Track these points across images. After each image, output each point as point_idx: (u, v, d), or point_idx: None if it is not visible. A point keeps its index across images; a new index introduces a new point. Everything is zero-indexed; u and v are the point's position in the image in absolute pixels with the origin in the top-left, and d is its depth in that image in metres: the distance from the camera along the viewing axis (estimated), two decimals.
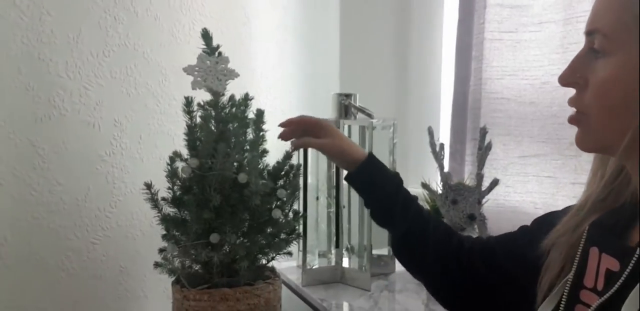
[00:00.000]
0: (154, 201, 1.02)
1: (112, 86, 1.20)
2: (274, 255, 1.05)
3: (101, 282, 1.20)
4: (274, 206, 1.02)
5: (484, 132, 1.20)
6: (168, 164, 1.00)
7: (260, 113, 1.01)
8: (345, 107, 1.34)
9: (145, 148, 1.26)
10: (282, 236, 1.04)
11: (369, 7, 1.80)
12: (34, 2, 1.07)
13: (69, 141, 1.13)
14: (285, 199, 1.03)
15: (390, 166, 1.33)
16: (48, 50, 1.10)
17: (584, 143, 0.62)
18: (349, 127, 1.31)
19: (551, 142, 1.44)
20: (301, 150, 1.30)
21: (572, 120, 0.62)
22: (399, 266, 1.40)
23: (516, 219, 0.85)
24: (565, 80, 0.62)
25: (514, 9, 1.50)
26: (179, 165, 1.01)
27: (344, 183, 1.33)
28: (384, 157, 1.13)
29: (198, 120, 1.01)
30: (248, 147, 1.01)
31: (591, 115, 0.59)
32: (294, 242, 1.07)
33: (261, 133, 1.03)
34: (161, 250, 1.03)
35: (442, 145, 1.25)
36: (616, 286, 0.56)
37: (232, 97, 1.02)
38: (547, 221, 0.75)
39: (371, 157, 0.95)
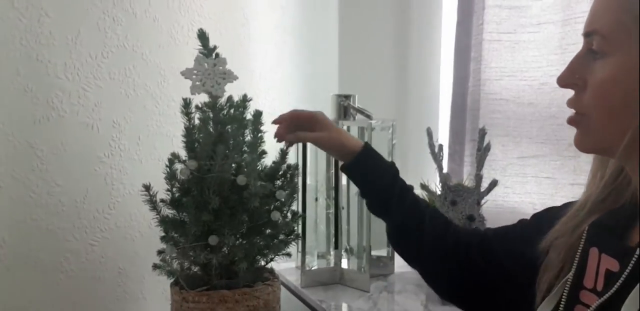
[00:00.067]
0: (152, 203, 1.01)
1: (110, 87, 1.19)
2: (273, 256, 1.05)
3: (100, 284, 1.19)
4: (272, 207, 1.02)
5: (482, 133, 1.20)
6: (167, 166, 1.00)
7: (258, 115, 1.01)
8: (344, 108, 1.34)
9: (144, 150, 1.25)
10: (281, 237, 1.04)
11: (368, 8, 1.80)
12: (33, 3, 1.07)
13: (67, 142, 1.13)
14: (284, 200, 1.03)
15: None
16: (47, 52, 1.09)
17: (583, 144, 0.62)
18: (348, 128, 1.31)
19: (550, 142, 1.44)
20: (300, 151, 1.30)
21: (571, 121, 0.62)
22: (398, 268, 1.41)
23: (515, 220, 0.85)
24: (564, 81, 0.63)
25: (512, 10, 1.51)
26: (178, 166, 1.01)
27: (343, 184, 1.34)
28: None
29: (196, 121, 1.01)
30: (247, 149, 1.01)
31: (590, 116, 0.59)
32: (293, 243, 1.07)
33: (259, 135, 1.03)
34: (160, 252, 1.03)
35: (441, 146, 1.25)
36: (616, 286, 0.56)
37: (230, 99, 1.01)
38: (547, 217, 0.75)
39: (367, 147, 0.95)
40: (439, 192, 1.28)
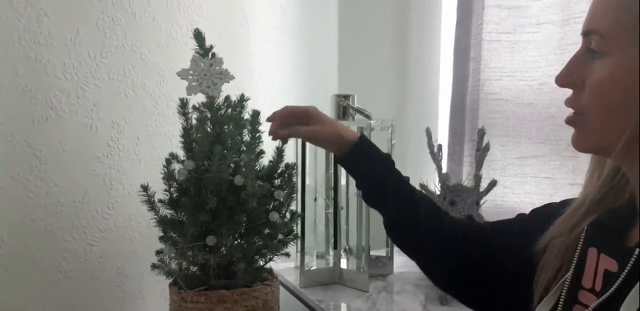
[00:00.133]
0: (150, 203, 1.01)
1: (109, 87, 1.19)
2: (271, 256, 1.05)
3: (99, 284, 1.19)
4: (271, 207, 1.02)
5: (481, 133, 1.21)
6: (164, 166, 1.00)
7: (255, 115, 1.01)
8: (344, 108, 1.34)
9: (143, 150, 1.25)
10: (280, 237, 1.04)
11: (367, 8, 1.80)
12: (32, 3, 1.07)
13: (66, 142, 1.13)
14: (282, 200, 1.03)
15: None
16: (45, 52, 1.09)
17: (580, 144, 0.62)
18: (347, 128, 1.31)
19: (549, 143, 1.44)
20: (299, 151, 1.30)
21: (569, 121, 0.62)
22: (397, 268, 1.41)
23: None
24: (562, 80, 0.63)
25: (512, 10, 1.51)
26: (176, 167, 1.01)
27: (342, 184, 1.34)
28: None
29: (194, 121, 1.01)
30: (244, 149, 1.01)
31: (588, 116, 0.59)
32: (292, 243, 1.07)
33: (257, 135, 1.03)
34: (158, 252, 1.03)
35: (440, 146, 1.26)
36: (614, 286, 0.56)
37: (227, 98, 1.01)
38: (546, 213, 0.75)
39: (363, 138, 0.95)
40: (438, 192, 1.28)
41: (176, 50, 1.30)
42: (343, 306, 1.20)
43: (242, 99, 1.03)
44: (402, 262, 1.43)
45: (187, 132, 1.02)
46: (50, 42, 1.10)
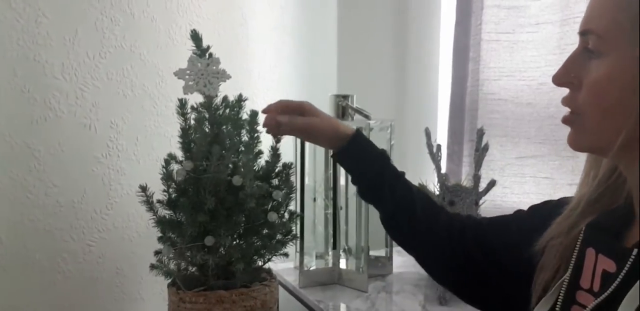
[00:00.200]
0: (149, 204, 1.01)
1: (108, 88, 1.19)
2: (270, 256, 1.05)
3: (97, 284, 1.19)
4: (269, 208, 1.02)
5: (480, 133, 1.20)
6: (163, 167, 1.00)
7: (254, 115, 1.01)
8: (343, 108, 1.34)
9: (142, 150, 1.25)
10: (278, 237, 1.04)
11: (366, 8, 1.80)
12: (30, 4, 1.07)
13: (65, 143, 1.13)
14: (280, 200, 1.03)
15: None
16: (44, 52, 1.09)
17: (576, 143, 0.62)
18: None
19: (548, 143, 1.44)
20: (298, 151, 1.30)
21: (565, 120, 0.62)
22: (396, 268, 1.41)
23: None
24: (559, 80, 0.63)
25: (511, 10, 1.51)
26: (174, 167, 1.01)
27: (342, 184, 1.34)
28: None
29: (192, 122, 1.01)
30: (243, 149, 1.01)
31: (585, 115, 0.59)
32: (291, 244, 1.07)
33: (256, 135, 1.03)
34: (157, 253, 1.03)
35: (439, 146, 1.25)
36: (612, 287, 0.56)
37: (225, 99, 1.01)
38: (544, 210, 0.75)
39: (359, 133, 0.95)
40: (437, 193, 1.28)
41: (175, 50, 1.30)
42: (342, 307, 1.20)
43: (240, 99, 1.03)
44: (401, 262, 1.43)
45: (185, 133, 1.02)
46: (49, 42, 1.10)
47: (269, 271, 1.09)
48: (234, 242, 1.00)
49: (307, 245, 1.32)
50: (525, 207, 0.83)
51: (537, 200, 1.42)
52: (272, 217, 1.00)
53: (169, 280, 1.05)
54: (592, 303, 0.57)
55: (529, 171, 1.47)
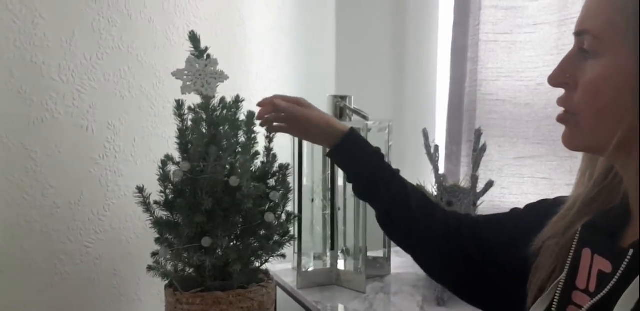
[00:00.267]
0: (146, 205, 1.01)
1: (105, 89, 1.19)
2: (267, 257, 1.05)
3: (95, 286, 1.19)
4: (266, 208, 1.02)
5: (478, 133, 1.20)
6: (160, 168, 1.00)
7: (251, 116, 1.01)
8: (340, 109, 1.34)
9: (139, 151, 1.25)
10: (276, 238, 1.03)
11: (365, 8, 1.80)
12: (27, 5, 1.07)
13: (62, 144, 1.13)
14: (277, 201, 1.03)
15: None
16: (41, 53, 1.09)
17: (571, 142, 0.62)
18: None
19: (546, 143, 1.44)
20: (296, 152, 1.30)
21: (560, 119, 0.62)
22: (394, 269, 1.40)
23: None
24: (555, 80, 0.62)
25: (509, 11, 1.51)
26: (171, 168, 1.00)
27: (340, 185, 1.34)
28: None
29: (189, 123, 1.01)
30: (240, 150, 1.01)
31: (580, 115, 0.59)
32: (288, 244, 1.07)
33: (253, 136, 1.03)
34: (154, 254, 1.03)
35: (436, 147, 1.25)
36: (608, 287, 0.55)
37: (222, 100, 1.01)
38: (540, 209, 0.75)
39: (353, 131, 0.95)
40: (435, 193, 1.28)
41: (172, 51, 1.30)
42: (340, 308, 1.19)
43: (237, 100, 1.03)
44: (399, 263, 1.43)
45: (182, 134, 1.02)
46: (46, 43, 1.10)
47: (266, 272, 1.09)
48: (231, 243, 1.00)
49: (305, 246, 1.31)
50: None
51: (535, 200, 1.43)
52: (269, 217, 1.00)
53: (166, 282, 1.05)
54: (588, 303, 0.57)
55: (527, 171, 1.47)
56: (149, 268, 1.03)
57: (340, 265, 1.35)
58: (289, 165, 1.06)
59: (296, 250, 1.32)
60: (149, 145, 1.27)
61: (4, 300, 1.06)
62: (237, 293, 0.98)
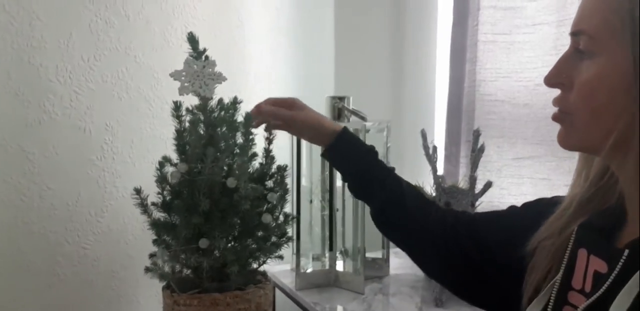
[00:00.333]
0: (143, 206, 1.01)
1: (103, 90, 1.19)
2: (265, 259, 1.05)
3: (93, 287, 1.19)
4: (264, 209, 1.02)
5: (477, 134, 1.20)
6: (157, 169, 1.00)
7: (248, 117, 1.01)
8: (339, 110, 1.33)
9: (137, 153, 1.25)
10: (273, 239, 1.03)
11: (363, 9, 1.79)
12: (24, 7, 1.07)
13: (59, 146, 1.13)
14: (275, 202, 1.02)
15: None
16: (38, 55, 1.09)
17: (566, 141, 0.61)
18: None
19: (545, 143, 1.43)
20: (294, 152, 1.30)
21: (555, 118, 0.62)
22: (393, 270, 1.40)
23: None
24: (551, 80, 0.62)
25: (507, 11, 1.50)
26: (169, 169, 1.00)
27: (338, 186, 1.33)
28: None
29: (187, 124, 1.01)
30: (237, 151, 1.01)
31: (575, 115, 0.59)
32: (286, 246, 1.06)
33: (250, 137, 1.03)
34: (151, 255, 1.03)
35: (435, 148, 1.25)
36: (604, 287, 0.55)
37: (220, 101, 1.01)
38: (537, 208, 0.75)
39: (346, 130, 0.95)
40: (433, 194, 1.28)
41: (170, 52, 1.30)
42: (339, 309, 1.19)
43: (235, 102, 1.03)
44: (398, 264, 1.43)
45: (180, 135, 1.02)
46: (43, 45, 1.10)
47: (264, 273, 1.09)
48: (229, 244, 1.00)
49: (303, 247, 1.31)
50: None
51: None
52: (267, 219, 1.00)
53: (164, 283, 1.04)
54: (583, 303, 0.57)
55: (526, 172, 1.46)
56: (147, 269, 1.03)
57: (339, 266, 1.35)
58: (286, 166, 1.06)
59: (295, 251, 1.32)
60: (146, 147, 1.27)
61: (1, 301, 1.06)
62: (235, 294, 0.98)
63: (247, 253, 1.01)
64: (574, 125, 0.59)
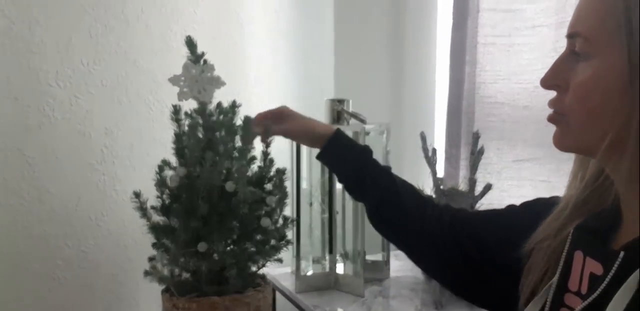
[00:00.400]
0: (142, 210, 1.01)
1: (103, 94, 1.20)
2: (264, 262, 1.05)
3: (93, 291, 1.19)
4: (263, 213, 1.02)
5: (476, 136, 1.20)
6: (157, 173, 1.00)
7: (247, 121, 1.01)
8: (338, 112, 1.33)
9: (137, 156, 1.25)
10: (272, 243, 1.03)
11: (363, 11, 1.80)
12: (23, 11, 1.07)
13: (59, 150, 1.13)
14: (274, 206, 1.03)
15: None
16: (38, 60, 1.10)
17: (561, 142, 0.61)
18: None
19: (545, 145, 1.43)
20: (294, 156, 1.30)
21: (551, 119, 0.62)
22: (393, 272, 1.40)
23: None
24: (547, 82, 0.62)
25: (507, 13, 1.50)
26: (168, 173, 1.01)
27: (338, 189, 1.33)
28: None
29: (186, 128, 1.01)
30: (236, 155, 1.01)
31: (570, 116, 0.59)
32: (285, 249, 1.06)
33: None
34: (151, 259, 1.03)
35: (434, 150, 1.25)
36: (599, 290, 0.55)
37: (219, 105, 1.01)
38: (535, 207, 0.75)
39: (338, 132, 0.96)
40: (433, 196, 1.28)
41: (170, 56, 1.30)
42: None
43: (234, 105, 1.03)
44: (398, 267, 1.43)
45: (179, 139, 1.02)
46: (43, 49, 1.10)
47: (263, 276, 1.09)
48: (228, 248, 1.00)
49: (303, 250, 1.31)
50: None
51: None
52: (265, 222, 1.00)
53: (164, 286, 1.04)
54: (579, 305, 0.57)
55: (526, 174, 1.46)
56: (146, 273, 1.03)
57: (339, 268, 1.35)
58: (285, 169, 1.06)
59: (295, 254, 1.32)
60: (146, 150, 1.27)
61: (2, 305, 1.06)
62: (233, 297, 0.98)
63: (246, 257, 1.01)
64: (570, 127, 0.59)
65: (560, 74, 0.61)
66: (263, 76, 1.57)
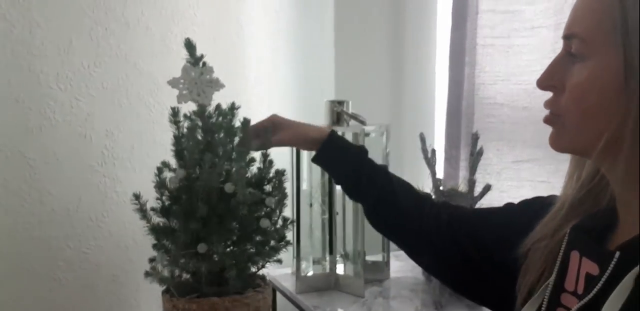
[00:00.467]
0: (142, 211, 1.02)
1: (103, 97, 1.20)
2: (264, 263, 1.05)
3: (94, 292, 1.20)
4: (262, 214, 1.02)
5: (475, 137, 1.21)
6: (156, 174, 1.00)
7: (246, 123, 1.01)
8: (338, 114, 1.34)
9: (138, 158, 1.26)
10: (272, 244, 1.04)
11: (363, 13, 1.80)
12: (24, 14, 1.08)
13: (60, 152, 1.14)
14: (273, 207, 1.03)
15: None
16: (38, 62, 1.10)
17: (557, 143, 0.62)
18: (343, 133, 1.31)
19: (545, 146, 1.41)
20: (294, 157, 1.30)
21: (547, 120, 0.63)
22: (393, 273, 1.40)
23: None
24: (543, 83, 0.63)
25: (506, 15, 1.51)
26: (167, 175, 1.01)
27: (338, 189, 1.34)
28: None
29: (185, 130, 1.02)
30: (235, 157, 1.01)
31: (566, 117, 0.59)
32: (284, 250, 1.07)
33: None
34: (151, 260, 1.03)
35: (434, 151, 1.26)
36: (595, 290, 0.56)
37: (218, 107, 1.02)
38: (534, 206, 0.75)
39: (333, 134, 0.97)
40: (433, 197, 1.28)
41: (171, 58, 1.31)
42: None
43: (233, 107, 1.04)
44: (398, 267, 1.43)
45: (178, 140, 1.03)
46: (43, 52, 1.11)
47: (262, 277, 1.09)
48: (227, 249, 1.01)
49: (303, 251, 1.32)
50: None
51: None
52: (265, 223, 1.01)
53: (164, 287, 1.05)
54: (575, 305, 0.57)
55: (526, 175, 1.46)
56: (146, 274, 1.04)
57: (339, 269, 1.35)
58: (284, 170, 1.06)
59: (295, 255, 1.32)
60: (147, 152, 1.27)
61: (3, 307, 1.07)
62: (233, 298, 0.98)
63: (246, 258, 1.01)
64: (565, 127, 0.60)
65: (556, 75, 0.61)
66: (263, 77, 1.57)
